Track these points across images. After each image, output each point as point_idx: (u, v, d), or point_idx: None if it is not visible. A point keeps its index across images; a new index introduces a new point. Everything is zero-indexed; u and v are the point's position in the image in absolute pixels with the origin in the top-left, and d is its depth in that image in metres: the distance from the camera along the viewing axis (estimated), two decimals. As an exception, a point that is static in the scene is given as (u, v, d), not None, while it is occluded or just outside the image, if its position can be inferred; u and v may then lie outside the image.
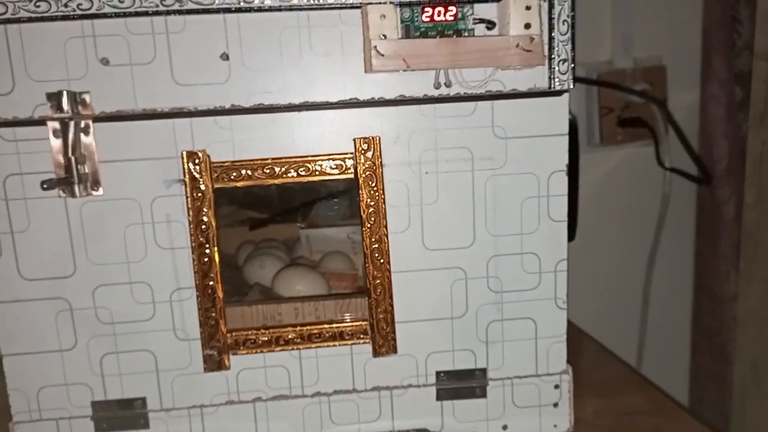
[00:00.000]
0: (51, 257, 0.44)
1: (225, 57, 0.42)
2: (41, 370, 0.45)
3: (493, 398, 0.48)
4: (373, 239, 0.45)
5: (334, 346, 0.46)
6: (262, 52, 0.42)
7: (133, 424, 0.46)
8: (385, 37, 0.40)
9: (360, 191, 0.44)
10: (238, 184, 0.44)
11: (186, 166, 0.43)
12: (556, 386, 0.48)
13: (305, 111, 0.43)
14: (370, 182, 0.44)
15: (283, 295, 0.55)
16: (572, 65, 0.42)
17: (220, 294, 0.45)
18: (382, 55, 0.40)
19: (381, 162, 0.44)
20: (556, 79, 0.43)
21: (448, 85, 0.43)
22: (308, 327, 0.46)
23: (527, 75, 0.43)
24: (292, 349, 0.46)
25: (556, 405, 0.48)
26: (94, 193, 0.43)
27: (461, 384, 0.47)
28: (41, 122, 0.42)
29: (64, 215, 0.43)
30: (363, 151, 0.43)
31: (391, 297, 0.46)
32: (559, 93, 0.43)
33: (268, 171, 0.43)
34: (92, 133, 0.42)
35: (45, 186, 0.41)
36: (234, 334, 0.45)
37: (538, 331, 0.47)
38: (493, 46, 0.40)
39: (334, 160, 0.44)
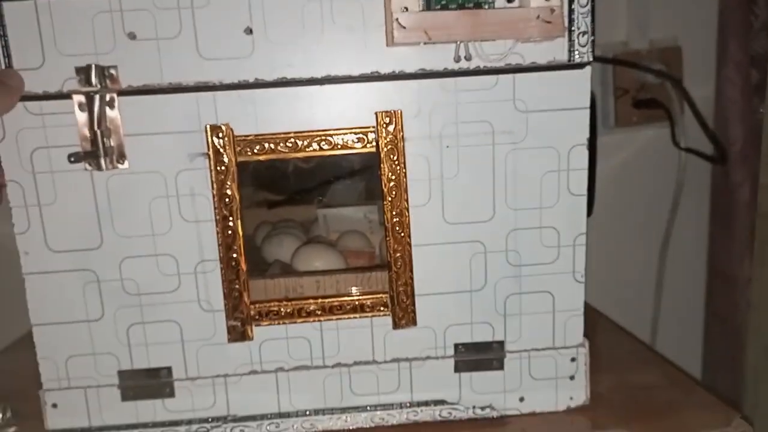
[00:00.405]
0: (78, 230, 0.45)
1: (249, 31, 0.42)
2: (69, 340, 0.46)
3: (511, 370, 0.49)
4: (394, 213, 0.45)
5: (355, 318, 0.47)
6: (285, 26, 0.42)
7: (159, 392, 0.47)
8: (406, 9, 0.41)
9: (381, 165, 0.44)
10: (261, 158, 0.44)
11: (210, 140, 0.44)
12: (573, 359, 0.49)
13: (327, 85, 0.44)
14: (392, 156, 0.44)
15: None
16: (592, 38, 0.43)
17: (244, 266, 0.45)
18: (404, 28, 0.40)
19: (402, 136, 0.44)
20: (576, 52, 0.43)
21: (468, 58, 0.43)
22: (329, 299, 0.47)
23: (547, 48, 0.43)
24: (314, 321, 0.47)
25: (572, 378, 0.49)
26: (119, 166, 0.44)
27: (479, 356, 0.48)
28: (68, 96, 0.42)
29: (91, 188, 0.44)
30: (385, 125, 0.44)
31: (411, 270, 0.46)
32: (581, 66, 0.43)
33: (290, 144, 0.44)
34: (117, 107, 0.43)
35: (72, 159, 0.42)
36: (257, 305, 0.46)
37: (556, 304, 0.48)
38: (514, 17, 0.41)
39: (355, 133, 0.44)
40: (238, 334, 0.46)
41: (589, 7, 0.42)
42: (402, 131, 0.44)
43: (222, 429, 0.48)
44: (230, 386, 0.47)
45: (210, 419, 0.48)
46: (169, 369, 0.47)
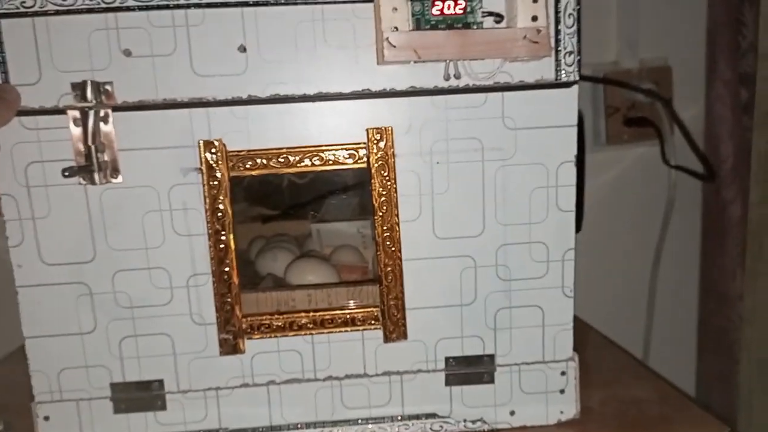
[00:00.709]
0: (71, 243, 0.45)
1: (242, 49, 0.43)
2: (62, 353, 0.46)
3: (501, 384, 0.49)
4: (384, 227, 0.46)
5: (346, 331, 0.47)
6: (278, 44, 0.43)
7: (151, 405, 0.47)
8: (396, 29, 0.41)
9: (372, 180, 0.45)
10: (254, 173, 0.45)
11: (203, 155, 0.44)
12: (563, 373, 0.49)
13: (319, 102, 0.44)
14: (383, 172, 0.45)
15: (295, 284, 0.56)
16: (578, 57, 0.44)
17: (236, 280, 0.46)
18: (394, 47, 0.41)
19: (393, 152, 0.45)
20: (563, 71, 0.44)
21: (457, 76, 0.44)
22: (321, 312, 0.47)
23: (534, 67, 0.44)
24: (305, 334, 0.47)
25: (562, 392, 0.49)
26: (113, 180, 0.44)
27: (470, 370, 0.48)
28: (64, 111, 0.43)
29: (84, 202, 0.45)
30: (375, 141, 0.45)
31: (401, 284, 0.47)
32: (568, 85, 0.44)
33: (282, 160, 0.45)
34: (111, 122, 0.44)
35: (66, 173, 0.43)
36: (249, 319, 0.47)
37: (546, 318, 0.48)
38: (501, 37, 0.42)
39: (347, 149, 0.45)
40: (229, 347, 0.47)
41: (575, 27, 0.43)
42: (393, 147, 0.45)
43: (213, 443, 0.48)
44: (222, 399, 0.47)
45: (201, 433, 0.48)
46: (160, 382, 0.47)
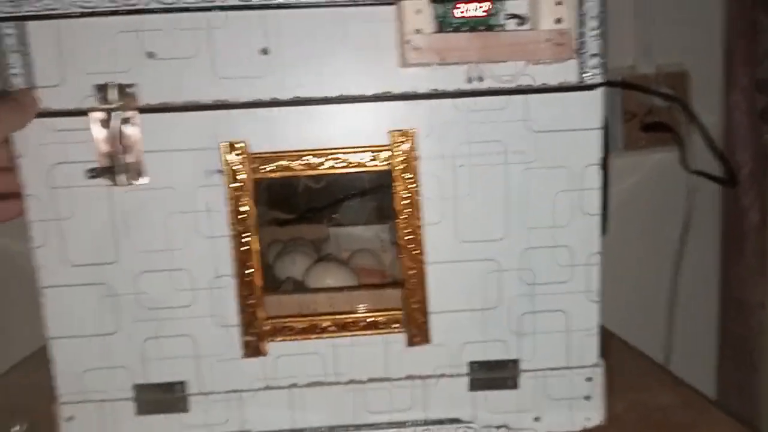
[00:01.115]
0: (95, 244, 0.45)
1: (264, 51, 0.43)
2: (86, 353, 0.46)
3: (525, 390, 0.48)
4: (407, 231, 0.46)
5: (369, 335, 0.47)
6: (300, 47, 0.43)
7: (173, 407, 0.47)
8: (419, 31, 0.41)
9: (395, 183, 0.45)
10: (276, 175, 0.45)
11: (225, 157, 0.44)
12: (589, 379, 0.48)
13: (341, 104, 0.44)
14: (405, 175, 0.45)
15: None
16: (603, 60, 0.43)
17: (259, 282, 0.46)
18: (417, 49, 0.41)
19: (416, 155, 0.45)
20: (586, 74, 0.44)
21: (480, 79, 0.44)
22: (343, 316, 0.47)
23: (558, 69, 0.44)
24: (328, 338, 0.47)
25: (588, 398, 0.49)
26: (137, 182, 0.44)
27: (493, 374, 0.48)
28: (87, 113, 0.43)
29: (108, 203, 0.45)
30: (399, 144, 0.44)
31: (424, 288, 0.46)
32: (592, 87, 0.44)
33: (305, 162, 0.45)
34: (136, 124, 0.44)
35: (91, 175, 0.43)
36: (271, 321, 0.46)
37: (571, 323, 0.48)
38: (525, 39, 0.41)
39: (370, 152, 0.45)
40: (252, 349, 0.46)
41: (599, 30, 0.43)
42: (415, 150, 0.45)
43: (234, 446, 0.48)
44: (244, 402, 0.47)
45: (222, 436, 0.48)
46: (183, 383, 0.47)
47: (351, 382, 0.48)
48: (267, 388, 0.47)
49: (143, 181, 0.44)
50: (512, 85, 0.44)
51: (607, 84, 0.44)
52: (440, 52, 0.41)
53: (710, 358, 0.96)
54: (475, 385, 0.48)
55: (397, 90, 0.44)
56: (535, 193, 0.46)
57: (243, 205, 0.45)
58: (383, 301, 0.49)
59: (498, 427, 0.49)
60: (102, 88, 0.43)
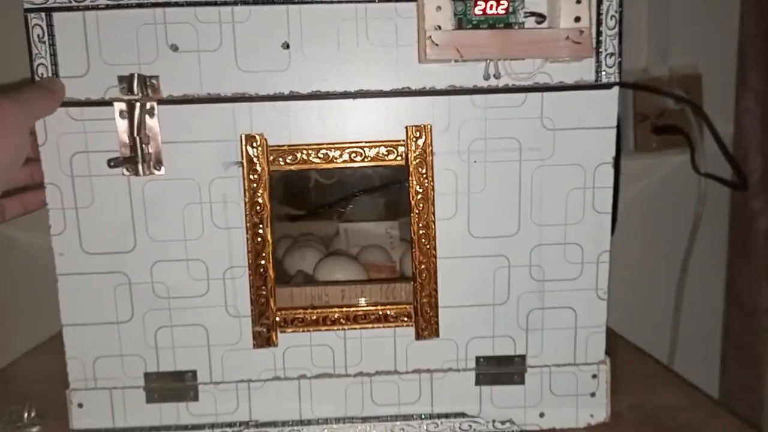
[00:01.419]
0: (112, 233, 0.46)
1: (286, 46, 0.44)
2: (98, 341, 0.47)
3: (531, 385, 0.49)
4: (420, 225, 0.46)
5: (378, 328, 0.48)
6: (321, 42, 0.44)
7: (183, 396, 0.47)
8: (439, 27, 0.42)
9: (410, 178, 0.46)
10: (293, 167, 0.45)
11: (244, 149, 0.45)
12: (594, 376, 0.49)
13: (359, 99, 0.45)
14: (420, 169, 0.45)
15: (325, 281, 0.56)
16: (619, 59, 0.44)
17: (272, 273, 0.46)
18: (437, 45, 0.42)
19: (431, 150, 0.45)
20: (603, 73, 0.44)
21: (497, 76, 0.44)
22: (354, 308, 0.48)
23: (575, 68, 0.44)
24: (338, 329, 0.48)
25: (593, 395, 0.49)
26: (156, 172, 0.45)
27: (500, 369, 0.48)
28: (110, 103, 0.44)
29: (127, 193, 0.46)
30: (415, 139, 0.45)
31: (435, 282, 0.47)
32: (608, 86, 0.45)
33: (322, 155, 0.45)
34: (156, 115, 0.44)
35: (111, 164, 0.43)
36: (283, 312, 0.47)
37: (578, 320, 0.48)
38: (544, 37, 0.42)
39: (386, 146, 0.45)
40: (263, 339, 0.47)
41: (617, 29, 0.43)
42: (431, 145, 0.45)
43: (243, 435, 0.49)
44: (253, 392, 0.48)
45: (232, 424, 0.48)
46: (194, 372, 0.47)
47: (359, 374, 0.48)
48: (276, 378, 0.48)
49: (162, 171, 0.45)
50: (529, 83, 0.44)
51: (622, 84, 0.45)
52: (459, 49, 0.42)
53: (714, 362, 0.96)
54: (482, 379, 0.48)
55: (415, 86, 0.45)
56: (548, 190, 0.46)
57: (259, 197, 0.45)
58: (394, 295, 0.49)
59: (503, 422, 0.49)
60: (126, 79, 0.43)
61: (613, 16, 0.43)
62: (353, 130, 0.45)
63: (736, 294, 0.92)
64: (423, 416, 0.49)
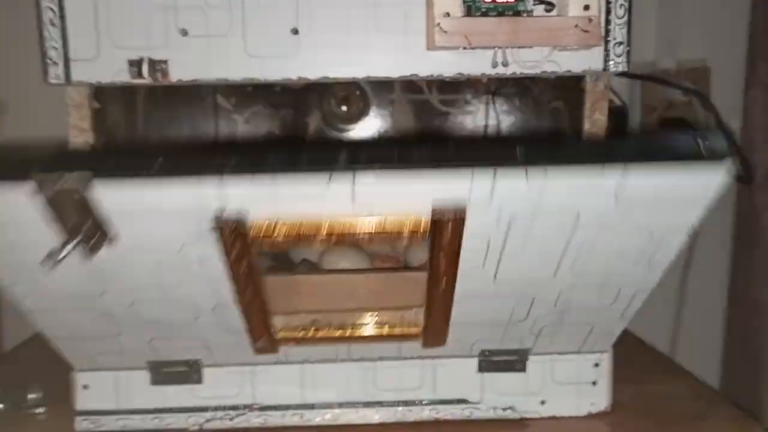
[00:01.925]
0: (76, 289, 0.40)
1: (295, 32, 0.44)
2: (92, 346, 0.45)
3: (533, 373, 0.49)
4: (436, 280, 0.40)
5: (384, 343, 0.46)
6: (329, 28, 0.44)
7: (188, 378, 0.48)
8: (448, 15, 0.42)
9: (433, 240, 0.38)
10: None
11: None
12: (596, 365, 0.49)
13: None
14: (448, 242, 0.38)
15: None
16: (628, 48, 0.44)
17: (266, 305, 0.43)
18: (446, 32, 0.42)
19: (461, 231, 0.37)
20: (611, 61, 0.44)
21: (505, 64, 0.44)
22: (358, 333, 0.46)
23: (583, 56, 0.44)
24: (340, 345, 0.46)
25: (594, 383, 0.49)
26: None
27: (502, 357, 0.49)
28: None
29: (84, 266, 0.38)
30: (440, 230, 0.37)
31: (449, 310, 0.43)
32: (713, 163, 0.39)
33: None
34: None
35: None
36: (283, 332, 0.45)
37: (593, 330, 0.47)
38: (553, 25, 0.42)
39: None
40: (265, 351, 0.46)
41: (625, 18, 0.43)
42: (462, 227, 0.37)
43: (246, 417, 0.49)
44: (256, 376, 0.48)
45: (235, 407, 0.49)
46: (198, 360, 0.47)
47: (362, 359, 0.48)
48: (279, 363, 0.48)
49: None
50: (537, 71, 0.44)
51: (629, 76, 0.45)
52: (468, 36, 0.42)
53: (716, 355, 0.96)
54: (484, 367, 0.49)
55: (422, 73, 0.45)
56: (600, 246, 0.39)
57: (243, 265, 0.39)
58: (400, 284, 0.49)
59: (504, 409, 0.49)
60: (136, 63, 0.44)
61: (622, 4, 0.43)
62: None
63: (739, 288, 0.92)
64: (425, 402, 0.49)
